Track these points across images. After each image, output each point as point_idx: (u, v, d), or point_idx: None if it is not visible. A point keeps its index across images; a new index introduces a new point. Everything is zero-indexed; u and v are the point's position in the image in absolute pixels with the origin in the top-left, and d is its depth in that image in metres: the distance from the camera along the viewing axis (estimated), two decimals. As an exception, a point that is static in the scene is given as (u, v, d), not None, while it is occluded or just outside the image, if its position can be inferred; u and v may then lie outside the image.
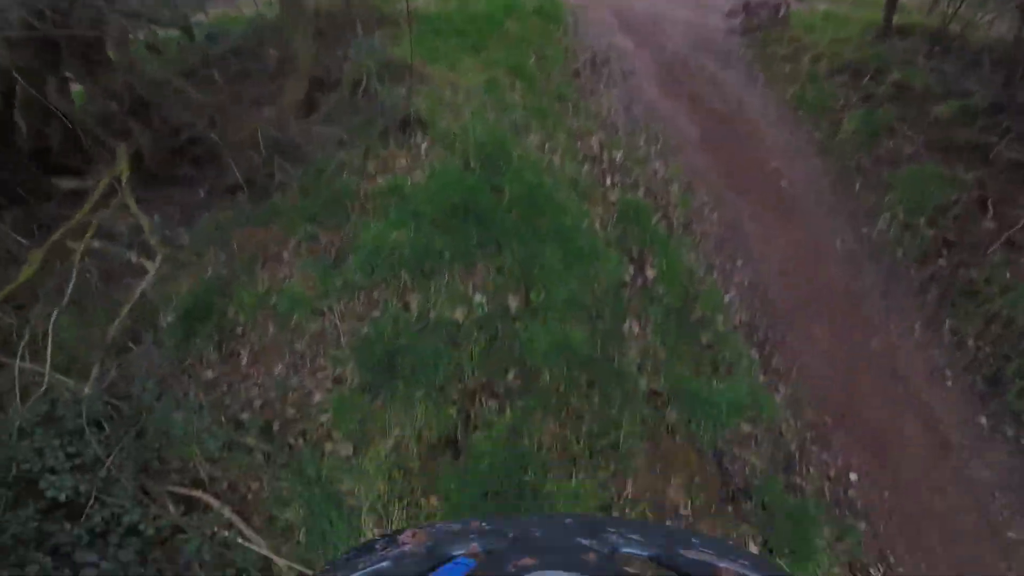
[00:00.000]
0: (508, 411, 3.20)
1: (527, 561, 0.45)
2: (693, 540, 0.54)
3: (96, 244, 4.04)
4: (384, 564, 0.50)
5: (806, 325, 4.73)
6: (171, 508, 2.52)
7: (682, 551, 0.50)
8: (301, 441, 3.07)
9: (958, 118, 5.78)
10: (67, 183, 4.45)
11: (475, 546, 0.52)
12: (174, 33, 5.40)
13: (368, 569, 0.49)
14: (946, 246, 5.03)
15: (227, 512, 2.53)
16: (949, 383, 4.46)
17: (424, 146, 4.65)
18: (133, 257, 4.05)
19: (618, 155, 5.42)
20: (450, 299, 3.54)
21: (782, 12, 7.76)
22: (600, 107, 6.04)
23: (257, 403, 3.41)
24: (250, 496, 2.76)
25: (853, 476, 4.00)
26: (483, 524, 0.56)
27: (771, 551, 3.46)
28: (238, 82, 5.23)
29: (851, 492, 3.94)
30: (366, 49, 5.12)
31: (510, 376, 3.34)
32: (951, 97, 5.98)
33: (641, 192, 5.10)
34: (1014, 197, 5.06)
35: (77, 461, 2.59)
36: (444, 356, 3.32)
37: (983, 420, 4.23)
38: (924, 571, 3.63)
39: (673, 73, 6.87)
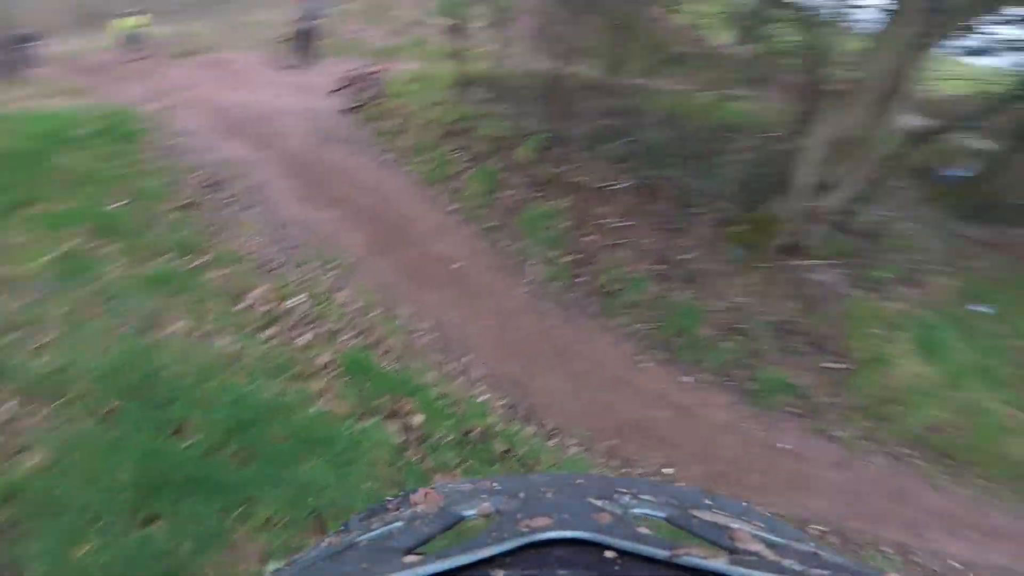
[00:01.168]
0: None
1: (540, 521, 0.43)
2: (706, 501, 0.52)
3: None
4: (397, 524, 0.48)
5: (546, 382, 4.83)
6: None
7: (695, 512, 0.48)
8: None
9: (535, 155, 6.73)
10: None
11: (487, 506, 0.50)
12: None
13: (382, 529, 0.48)
14: (577, 264, 5.98)
15: None
16: (650, 364, 5.26)
17: (10, 406, 2.64)
18: None
19: (297, 302, 4.37)
20: None
21: (379, 84, 7.71)
22: (242, 245, 4.76)
23: None
24: None
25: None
26: (494, 484, 0.54)
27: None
28: None
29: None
30: None
31: None
32: (525, 137, 6.79)
33: (348, 338, 4.24)
34: (597, 211, 6.38)
35: None
36: None
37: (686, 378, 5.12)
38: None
39: (308, 175, 6.07)
